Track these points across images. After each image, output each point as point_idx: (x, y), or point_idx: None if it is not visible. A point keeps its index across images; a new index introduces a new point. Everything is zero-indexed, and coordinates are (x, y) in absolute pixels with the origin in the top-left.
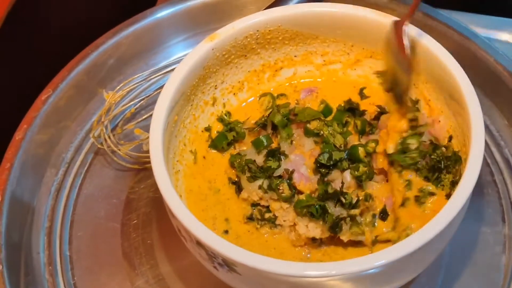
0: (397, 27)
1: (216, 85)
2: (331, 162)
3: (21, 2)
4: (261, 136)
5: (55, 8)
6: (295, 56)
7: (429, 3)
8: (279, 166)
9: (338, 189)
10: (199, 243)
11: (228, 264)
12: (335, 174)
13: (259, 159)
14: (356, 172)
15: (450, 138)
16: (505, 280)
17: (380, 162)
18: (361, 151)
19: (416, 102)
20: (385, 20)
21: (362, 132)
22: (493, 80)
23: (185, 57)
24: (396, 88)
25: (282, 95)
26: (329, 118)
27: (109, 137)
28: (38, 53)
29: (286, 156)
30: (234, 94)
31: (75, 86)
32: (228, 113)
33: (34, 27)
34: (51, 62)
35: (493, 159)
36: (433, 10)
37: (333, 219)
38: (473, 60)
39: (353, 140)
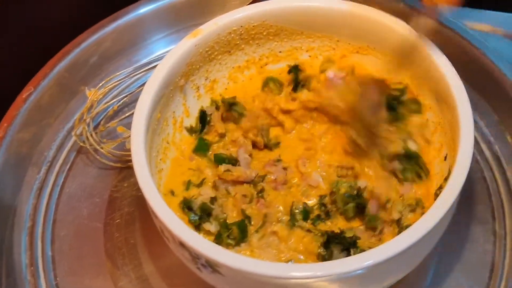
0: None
1: (199, 83)
2: None
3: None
4: None
5: (36, 5)
6: (280, 51)
7: None
8: None
9: None
10: (182, 244)
11: (211, 265)
12: None
13: None
14: None
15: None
16: (495, 278)
17: None
18: None
19: None
20: (371, 14)
21: None
22: (483, 75)
23: (168, 53)
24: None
25: None
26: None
27: (92, 135)
28: (18, 50)
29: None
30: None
31: (57, 83)
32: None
33: (14, 24)
34: (32, 60)
35: (482, 155)
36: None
37: None
38: (463, 55)
39: None
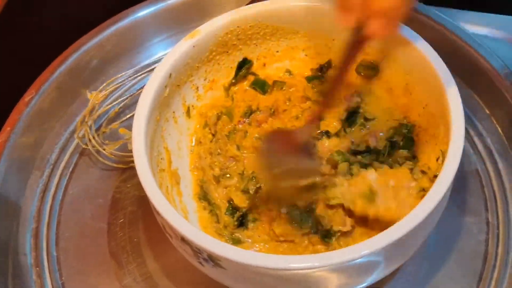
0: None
1: (198, 83)
2: None
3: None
4: None
5: (36, 10)
6: (277, 51)
7: None
8: None
9: None
10: (183, 240)
11: (212, 259)
12: None
13: None
14: None
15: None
16: (488, 268)
17: None
18: None
19: None
20: None
21: None
22: (475, 71)
23: (166, 55)
24: None
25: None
26: None
27: (94, 137)
28: (19, 54)
29: None
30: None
31: (58, 87)
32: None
33: (15, 29)
34: (33, 64)
35: (475, 149)
36: (420, 5)
37: None
38: (455, 51)
39: None
